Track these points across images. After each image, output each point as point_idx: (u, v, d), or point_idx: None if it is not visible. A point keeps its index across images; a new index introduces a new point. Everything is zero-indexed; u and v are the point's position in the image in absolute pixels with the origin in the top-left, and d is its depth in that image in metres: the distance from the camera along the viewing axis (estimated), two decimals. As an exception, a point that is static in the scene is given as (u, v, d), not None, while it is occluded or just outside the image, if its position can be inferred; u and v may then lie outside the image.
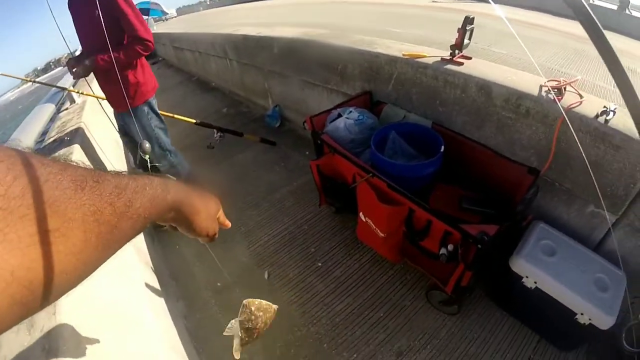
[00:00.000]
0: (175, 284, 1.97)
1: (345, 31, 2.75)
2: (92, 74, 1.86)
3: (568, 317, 1.25)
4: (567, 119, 1.15)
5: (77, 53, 1.92)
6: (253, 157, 3.09)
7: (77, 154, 1.84)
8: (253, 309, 0.74)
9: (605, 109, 1.28)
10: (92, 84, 2.83)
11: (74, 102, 2.87)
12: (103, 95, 2.36)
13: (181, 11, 18.27)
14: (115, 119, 2.11)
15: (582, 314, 1.22)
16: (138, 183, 0.38)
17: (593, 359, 1.39)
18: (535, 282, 1.32)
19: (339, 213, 2.19)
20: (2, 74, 2.56)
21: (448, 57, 1.74)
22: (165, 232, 2.12)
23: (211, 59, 4.82)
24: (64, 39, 1.79)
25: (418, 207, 1.37)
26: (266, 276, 1.90)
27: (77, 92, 2.77)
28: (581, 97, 1.36)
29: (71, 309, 0.88)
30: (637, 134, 1.15)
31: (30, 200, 0.24)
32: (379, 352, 1.50)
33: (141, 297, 1.36)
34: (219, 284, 1.90)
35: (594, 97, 1.39)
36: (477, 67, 1.65)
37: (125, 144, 2.19)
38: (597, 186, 1.05)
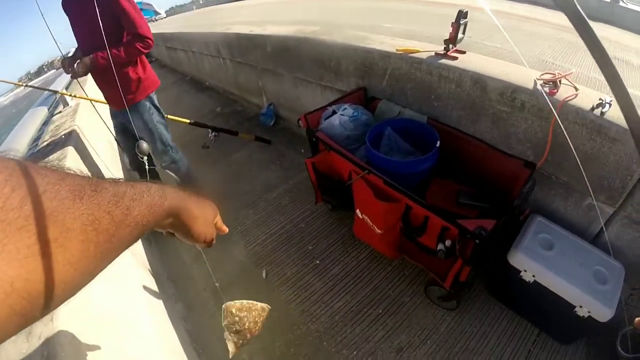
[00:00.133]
0: (173, 286, 1.96)
1: (336, 27, 2.73)
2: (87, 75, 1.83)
3: (567, 310, 1.26)
4: (556, 116, 1.15)
5: (70, 54, 1.89)
6: (248, 156, 3.07)
7: (71, 156, 1.81)
8: (234, 310, 0.73)
9: (600, 101, 1.28)
10: (86, 86, 2.81)
11: (67, 105, 2.84)
12: (96, 98, 2.33)
13: (173, 11, 18.17)
14: (113, 118, 2.07)
15: (581, 306, 1.22)
16: (136, 190, 0.38)
17: (592, 352, 1.40)
18: (533, 276, 1.32)
19: (336, 210, 2.18)
20: None
21: (442, 52, 1.72)
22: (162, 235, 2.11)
23: (205, 58, 4.78)
24: (55, 40, 1.77)
25: (415, 203, 1.37)
26: (264, 275, 1.90)
27: (70, 95, 2.74)
28: (576, 89, 1.36)
29: (69, 316, 0.87)
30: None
31: (28, 211, 0.25)
32: (379, 349, 1.50)
33: (139, 301, 1.36)
34: (216, 283, 1.89)
35: (589, 89, 1.39)
36: (472, 61, 1.65)
37: (121, 144, 2.16)
38: (586, 178, 1.05)
